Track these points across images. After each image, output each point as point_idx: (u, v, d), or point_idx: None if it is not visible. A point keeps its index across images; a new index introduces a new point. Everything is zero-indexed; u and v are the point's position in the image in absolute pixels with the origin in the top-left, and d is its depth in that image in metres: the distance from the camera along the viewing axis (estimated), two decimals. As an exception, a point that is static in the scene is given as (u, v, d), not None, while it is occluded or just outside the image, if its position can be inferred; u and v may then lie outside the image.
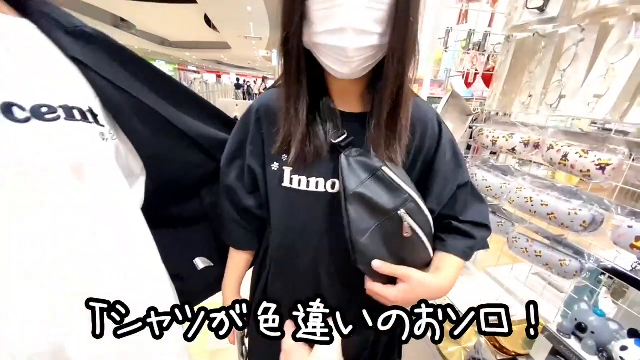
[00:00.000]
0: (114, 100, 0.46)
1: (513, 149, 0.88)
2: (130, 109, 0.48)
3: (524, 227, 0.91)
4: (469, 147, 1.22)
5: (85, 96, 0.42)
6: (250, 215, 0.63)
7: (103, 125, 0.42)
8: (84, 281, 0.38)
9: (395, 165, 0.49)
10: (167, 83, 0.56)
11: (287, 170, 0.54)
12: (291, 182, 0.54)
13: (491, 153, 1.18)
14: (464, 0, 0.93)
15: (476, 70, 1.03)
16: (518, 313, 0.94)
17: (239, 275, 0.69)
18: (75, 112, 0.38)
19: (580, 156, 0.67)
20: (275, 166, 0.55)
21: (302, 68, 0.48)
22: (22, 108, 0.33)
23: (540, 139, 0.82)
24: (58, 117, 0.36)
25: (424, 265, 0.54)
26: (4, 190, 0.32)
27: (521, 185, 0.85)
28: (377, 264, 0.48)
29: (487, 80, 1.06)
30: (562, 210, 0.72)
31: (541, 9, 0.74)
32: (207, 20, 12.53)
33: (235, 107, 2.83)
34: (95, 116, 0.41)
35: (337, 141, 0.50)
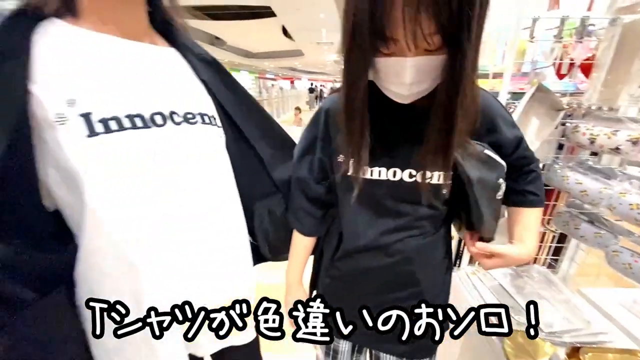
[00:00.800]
0: (222, 118, 0.60)
1: (617, 148, 0.76)
2: (230, 130, 0.62)
3: (629, 240, 0.77)
4: (560, 147, 1.09)
5: (210, 106, 0.57)
6: (318, 204, 0.71)
7: (220, 127, 0.58)
8: (220, 232, 0.54)
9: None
10: (253, 105, 0.69)
11: (353, 162, 0.60)
12: (358, 172, 0.60)
13: (591, 153, 1.03)
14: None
15: (571, 59, 0.91)
16: (617, 340, 0.82)
17: (302, 260, 0.77)
18: (206, 118, 0.53)
19: None
20: (341, 158, 0.62)
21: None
22: (178, 115, 0.48)
23: (655, 136, 0.69)
24: (197, 121, 0.51)
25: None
26: (185, 167, 0.48)
27: (626, 190, 0.73)
28: (481, 246, 0.60)
29: (587, 70, 0.93)
30: (682, 220, 0.60)
31: (659, -16, 0.63)
32: (284, 31, 13.51)
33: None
34: (215, 120, 0.57)
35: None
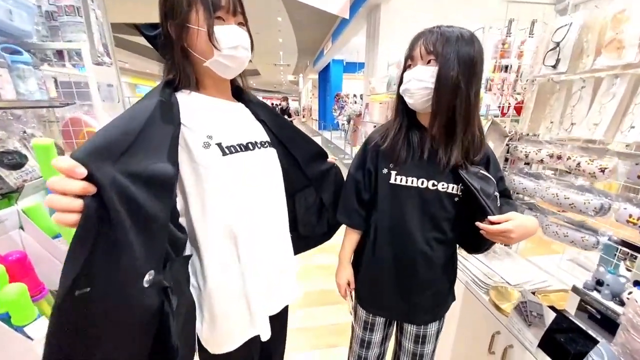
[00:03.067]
0: (274, 142, 0.85)
1: (541, 160, 1.23)
2: (279, 147, 0.86)
3: (554, 217, 1.23)
4: (506, 160, 1.57)
5: (266, 135, 0.82)
6: (364, 206, 0.98)
7: (274, 149, 0.82)
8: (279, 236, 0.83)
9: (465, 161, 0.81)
10: (299, 133, 0.95)
11: (393, 173, 0.88)
12: (395, 180, 0.86)
13: (525, 163, 1.51)
14: (497, 56, 1.32)
15: (509, 104, 1.39)
16: (555, 284, 1.27)
17: (352, 248, 0.99)
18: (267, 144, 0.80)
19: (589, 163, 1.01)
20: (385, 170, 0.90)
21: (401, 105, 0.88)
22: (257, 143, 0.76)
23: (561, 152, 1.16)
24: (267, 146, 0.79)
25: None
26: (262, 175, 0.76)
27: (549, 186, 1.19)
28: (494, 219, 0.73)
29: (519, 110, 1.42)
30: (579, 201, 1.05)
31: (554, 67, 1.11)
32: (242, 52, 13.61)
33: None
34: (271, 144, 0.82)
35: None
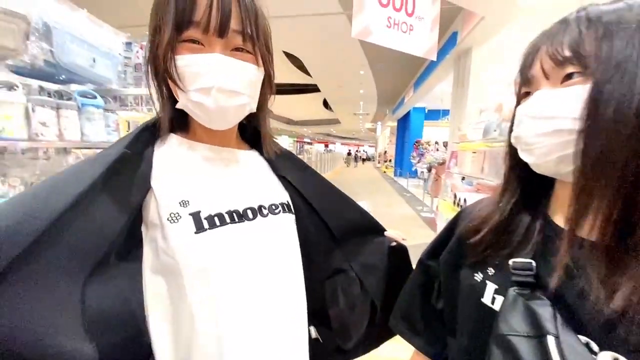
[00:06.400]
0: (298, 203, 0.60)
1: None
2: (303, 206, 0.61)
3: None
4: None
5: (285, 194, 0.59)
6: (437, 317, 0.57)
7: (293, 214, 0.59)
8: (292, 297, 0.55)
9: None
10: (335, 192, 0.69)
11: (490, 288, 0.45)
12: (493, 302, 0.44)
13: None
14: None
15: None
16: None
17: None
18: (285, 207, 0.57)
19: None
20: (477, 277, 0.48)
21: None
22: (264, 207, 0.53)
23: None
24: (279, 211, 0.55)
25: None
26: (268, 255, 0.51)
27: None
28: None
29: None
30: None
31: None
32: (325, 103, 14.86)
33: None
34: (290, 206, 0.58)
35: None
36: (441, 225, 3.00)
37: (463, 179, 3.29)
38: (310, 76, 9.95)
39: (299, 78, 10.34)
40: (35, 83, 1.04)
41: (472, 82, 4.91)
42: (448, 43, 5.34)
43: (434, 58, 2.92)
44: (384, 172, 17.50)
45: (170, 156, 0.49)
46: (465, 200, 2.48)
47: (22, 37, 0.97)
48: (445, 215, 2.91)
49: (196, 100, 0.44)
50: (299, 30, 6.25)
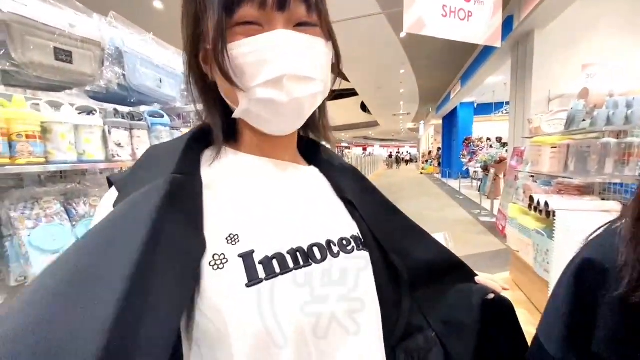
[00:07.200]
0: (367, 236, 0.45)
1: None
2: (373, 246, 0.45)
3: None
4: None
5: (354, 225, 0.45)
6: None
7: (367, 250, 0.44)
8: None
9: None
10: (407, 222, 0.51)
11: None
12: None
13: None
14: None
15: None
16: None
17: None
18: (357, 241, 0.43)
19: None
20: None
21: None
22: (334, 244, 0.40)
23: None
24: (352, 248, 0.41)
25: None
26: (358, 302, 0.39)
27: None
28: None
29: None
30: None
31: None
32: (363, 106, 14.64)
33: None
34: (362, 242, 0.44)
35: None
36: (513, 233, 2.62)
37: (533, 177, 2.86)
38: (348, 81, 9.84)
39: (336, 84, 10.32)
40: (110, 107, 1.07)
41: (535, 69, 4.38)
42: (503, 29, 4.86)
43: (499, 45, 2.64)
44: (421, 172, 16.29)
45: (224, 174, 0.39)
46: (546, 203, 2.10)
47: (98, 63, 1.00)
48: (518, 221, 2.53)
49: (264, 97, 0.34)
50: (338, 37, 6.16)
